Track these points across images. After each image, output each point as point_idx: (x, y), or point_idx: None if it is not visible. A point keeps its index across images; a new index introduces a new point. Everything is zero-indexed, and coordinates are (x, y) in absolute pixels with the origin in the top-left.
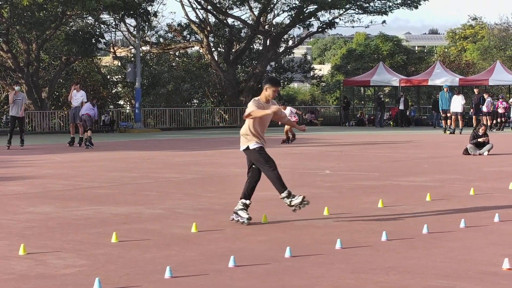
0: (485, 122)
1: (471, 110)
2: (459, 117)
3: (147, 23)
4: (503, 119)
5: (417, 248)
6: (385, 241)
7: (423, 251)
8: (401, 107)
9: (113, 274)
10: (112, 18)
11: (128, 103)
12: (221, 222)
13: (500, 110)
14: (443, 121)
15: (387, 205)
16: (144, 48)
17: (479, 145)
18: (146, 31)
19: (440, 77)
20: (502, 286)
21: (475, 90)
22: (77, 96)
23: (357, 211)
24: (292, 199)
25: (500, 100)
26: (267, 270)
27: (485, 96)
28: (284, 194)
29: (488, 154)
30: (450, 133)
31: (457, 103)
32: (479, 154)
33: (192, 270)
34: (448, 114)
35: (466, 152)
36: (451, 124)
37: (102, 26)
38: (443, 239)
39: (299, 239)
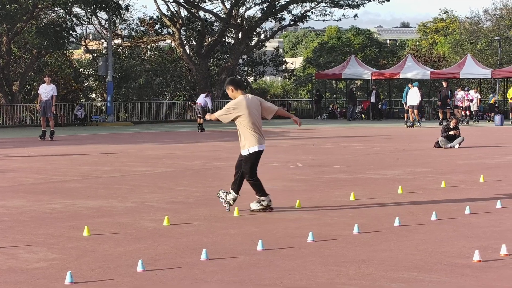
0: (457, 115)
1: (439, 103)
2: (414, 110)
3: (118, 17)
4: (467, 112)
5: (388, 241)
6: (357, 234)
7: (395, 243)
8: (373, 100)
9: (85, 268)
10: (84, 11)
11: (100, 96)
12: (193, 216)
13: (466, 103)
14: (405, 115)
15: (359, 198)
16: (116, 41)
17: (450, 138)
18: (117, 25)
19: (412, 70)
20: (472, 278)
21: (444, 84)
22: (48, 90)
23: (329, 204)
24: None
25: (466, 93)
26: (239, 263)
27: (458, 90)
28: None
29: (459, 147)
30: (408, 126)
31: (413, 96)
32: (450, 147)
33: (164, 263)
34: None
35: (437, 145)
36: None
37: (74, 19)
38: (415, 232)
39: (271, 232)
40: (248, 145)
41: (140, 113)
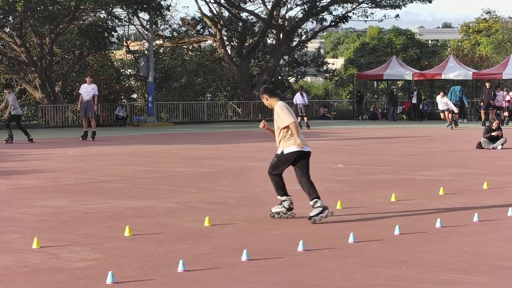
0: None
1: (481, 104)
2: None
3: (160, 17)
4: (505, 113)
5: (430, 242)
6: (398, 235)
7: (436, 245)
8: (414, 101)
9: (126, 268)
10: (125, 12)
11: (141, 97)
12: (234, 216)
13: (505, 104)
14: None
15: (400, 199)
16: (157, 42)
17: (493, 139)
18: (159, 25)
19: (454, 71)
20: None
21: (487, 84)
22: (89, 89)
23: (370, 205)
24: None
25: (505, 93)
26: (280, 264)
27: (497, 90)
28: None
29: (501, 148)
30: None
31: (442, 103)
32: (493, 148)
33: (204, 263)
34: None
35: (479, 146)
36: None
37: (115, 20)
38: (456, 233)
39: (311, 233)
40: (285, 146)
41: (181, 113)
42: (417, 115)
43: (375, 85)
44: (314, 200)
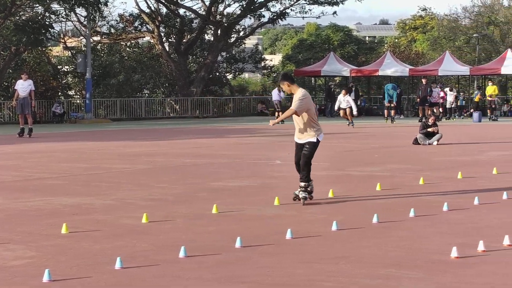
0: (435, 112)
1: (417, 100)
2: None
3: (97, 13)
4: (440, 109)
5: (367, 238)
6: (336, 230)
7: (373, 240)
8: (352, 97)
9: (63, 265)
10: (63, 8)
11: (79, 93)
12: (172, 213)
13: (440, 100)
14: (385, 111)
15: (338, 195)
16: (94, 38)
17: (429, 135)
18: (96, 21)
19: (390, 67)
20: (449, 275)
21: (423, 81)
22: (25, 85)
23: (307, 201)
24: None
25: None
26: (217, 260)
27: (433, 86)
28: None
29: (437, 144)
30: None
31: (344, 101)
32: (429, 144)
33: (142, 260)
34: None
35: (415, 142)
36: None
37: (52, 16)
38: (393, 229)
39: (249, 230)
40: (317, 134)
41: (119, 110)
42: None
43: (312, 81)
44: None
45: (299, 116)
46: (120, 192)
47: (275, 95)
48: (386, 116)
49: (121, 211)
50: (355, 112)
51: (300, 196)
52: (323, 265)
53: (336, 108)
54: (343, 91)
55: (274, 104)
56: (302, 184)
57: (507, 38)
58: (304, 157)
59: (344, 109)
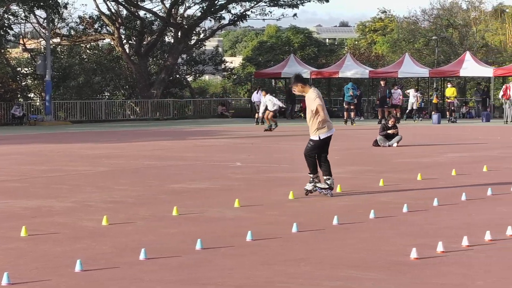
0: (394, 114)
1: (377, 102)
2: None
3: (57, 15)
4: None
5: (327, 239)
6: (296, 232)
7: (334, 242)
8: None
9: (22, 269)
10: (22, 9)
11: (38, 95)
12: (132, 215)
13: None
14: (345, 113)
15: (298, 196)
16: (54, 40)
17: (389, 137)
18: (56, 23)
19: (351, 69)
20: (409, 276)
21: (382, 83)
22: None
23: (268, 203)
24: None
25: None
26: (178, 262)
27: (394, 88)
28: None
29: (397, 146)
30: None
31: (271, 103)
32: (389, 146)
33: (102, 263)
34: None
35: (376, 143)
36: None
37: (11, 17)
38: (354, 230)
39: (210, 231)
40: (320, 132)
41: (79, 112)
42: None
43: (273, 83)
44: (328, 177)
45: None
46: (81, 194)
47: (255, 97)
48: (346, 118)
49: (82, 214)
50: (269, 109)
51: (306, 187)
52: (283, 267)
53: (261, 113)
54: (263, 92)
55: (255, 106)
56: (310, 175)
57: (466, 40)
58: (305, 150)
59: (271, 111)
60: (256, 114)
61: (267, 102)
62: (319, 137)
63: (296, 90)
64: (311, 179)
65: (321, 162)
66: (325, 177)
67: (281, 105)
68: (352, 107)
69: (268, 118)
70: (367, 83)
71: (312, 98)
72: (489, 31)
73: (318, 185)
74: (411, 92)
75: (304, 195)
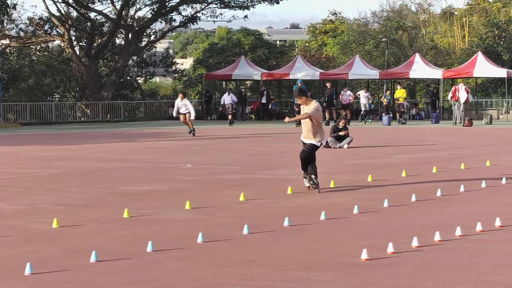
0: (344, 115)
1: (324, 104)
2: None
3: (6, 16)
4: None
5: (278, 241)
6: (247, 234)
7: (285, 243)
8: (264, 100)
9: None
10: None
11: None
12: (83, 217)
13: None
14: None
15: (249, 198)
16: (3, 41)
17: (339, 138)
18: (5, 24)
19: (301, 71)
20: (360, 277)
21: (328, 84)
22: None
23: (219, 204)
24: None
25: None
26: (129, 265)
27: (344, 90)
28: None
29: (348, 147)
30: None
31: (184, 105)
32: (339, 147)
33: (53, 266)
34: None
35: (326, 145)
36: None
37: None
38: (304, 232)
39: (161, 234)
40: (320, 139)
41: (29, 114)
42: (266, 115)
43: (224, 85)
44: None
45: (311, 121)
46: (31, 197)
47: (227, 99)
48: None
49: (32, 216)
50: (192, 116)
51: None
52: (234, 269)
53: (174, 113)
54: (180, 95)
55: (226, 108)
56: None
57: (415, 42)
58: (303, 153)
59: (184, 114)
60: (230, 116)
61: (181, 105)
62: (320, 143)
63: (299, 101)
64: (307, 176)
65: (312, 163)
66: (313, 176)
67: (192, 112)
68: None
69: (188, 121)
70: (317, 85)
71: (310, 107)
72: (438, 34)
73: (313, 178)
74: (362, 93)
75: (308, 189)
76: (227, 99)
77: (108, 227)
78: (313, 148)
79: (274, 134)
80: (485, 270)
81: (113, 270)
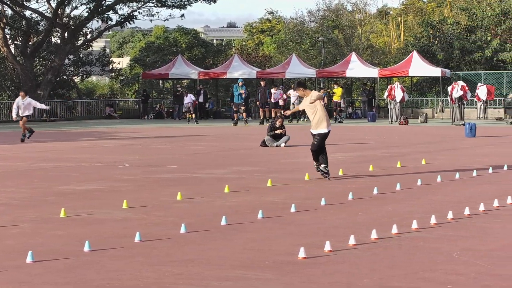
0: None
1: (257, 102)
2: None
3: None
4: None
5: (216, 240)
6: (184, 233)
7: (222, 242)
8: (201, 99)
9: None
10: None
11: None
12: (18, 217)
13: (281, 102)
14: (235, 115)
15: (186, 197)
16: None
17: (276, 137)
18: None
19: (238, 70)
20: (297, 275)
21: (262, 83)
22: None
23: (156, 204)
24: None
25: (281, 92)
26: (66, 265)
27: (274, 89)
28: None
29: (285, 146)
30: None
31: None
32: (277, 146)
33: None
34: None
35: (263, 144)
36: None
37: None
38: (242, 230)
39: (98, 233)
40: (328, 125)
41: None
42: (203, 114)
43: (160, 84)
44: (325, 166)
45: (321, 103)
46: None
47: (187, 98)
48: (235, 119)
49: None
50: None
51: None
52: (172, 268)
53: (14, 116)
54: (22, 93)
55: (187, 107)
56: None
57: (352, 41)
58: (314, 146)
59: (25, 117)
60: (193, 114)
61: (24, 104)
62: (328, 130)
63: (298, 93)
64: (318, 165)
65: (323, 153)
66: (323, 165)
67: (41, 107)
68: (242, 108)
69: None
70: (254, 84)
71: (312, 96)
72: (374, 33)
73: (322, 167)
74: (291, 92)
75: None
76: (187, 99)
77: (44, 227)
78: (323, 137)
79: (211, 133)
80: (420, 267)
81: (50, 270)
